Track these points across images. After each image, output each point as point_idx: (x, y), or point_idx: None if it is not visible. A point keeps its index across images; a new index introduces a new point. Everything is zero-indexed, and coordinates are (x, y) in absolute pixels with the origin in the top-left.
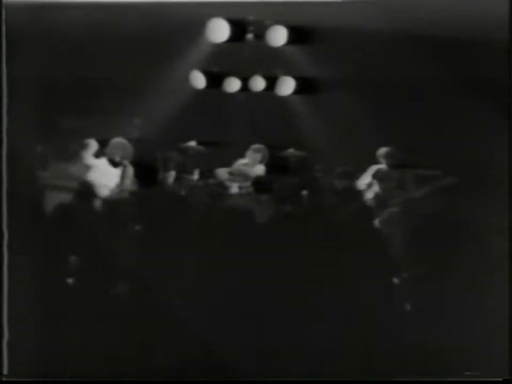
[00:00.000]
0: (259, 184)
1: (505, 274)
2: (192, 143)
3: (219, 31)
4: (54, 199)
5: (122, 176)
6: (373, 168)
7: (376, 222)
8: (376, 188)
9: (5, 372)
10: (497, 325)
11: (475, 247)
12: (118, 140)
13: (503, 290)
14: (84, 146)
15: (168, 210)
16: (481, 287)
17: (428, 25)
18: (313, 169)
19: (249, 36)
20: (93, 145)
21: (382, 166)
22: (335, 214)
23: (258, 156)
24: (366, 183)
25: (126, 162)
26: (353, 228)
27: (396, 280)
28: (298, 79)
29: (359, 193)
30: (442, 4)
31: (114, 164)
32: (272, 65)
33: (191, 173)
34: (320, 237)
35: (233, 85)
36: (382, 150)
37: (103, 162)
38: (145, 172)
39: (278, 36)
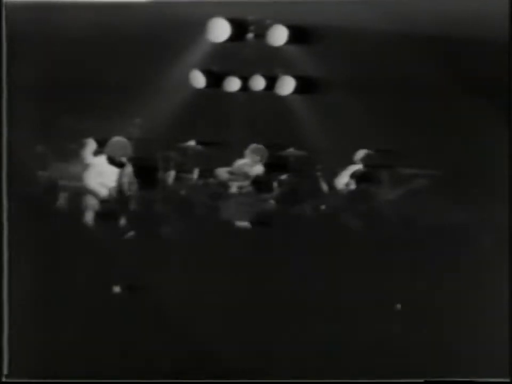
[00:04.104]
0: (259, 183)
1: (505, 274)
2: (192, 143)
3: (219, 30)
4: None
5: (121, 175)
6: (351, 169)
7: (354, 220)
8: (352, 188)
9: (5, 372)
10: (498, 326)
11: (475, 247)
12: (117, 139)
13: (503, 290)
14: (83, 146)
15: (168, 209)
16: (481, 288)
17: (427, 25)
18: (313, 169)
19: (250, 36)
20: (91, 144)
21: (360, 166)
22: (335, 214)
23: (258, 157)
24: (344, 182)
25: (125, 161)
26: (352, 227)
27: (395, 280)
28: (298, 78)
29: (358, 194)
30: (442, 4)
31: (114, 162)
32: (272, 64)
33: (191, 172)
34: (320, 237)
35: (233, 84)
36: (360, 153)
37: (101, 161)
38: (145, 171)
39: (279, 36)
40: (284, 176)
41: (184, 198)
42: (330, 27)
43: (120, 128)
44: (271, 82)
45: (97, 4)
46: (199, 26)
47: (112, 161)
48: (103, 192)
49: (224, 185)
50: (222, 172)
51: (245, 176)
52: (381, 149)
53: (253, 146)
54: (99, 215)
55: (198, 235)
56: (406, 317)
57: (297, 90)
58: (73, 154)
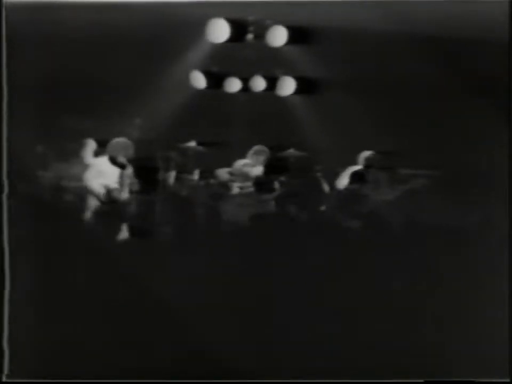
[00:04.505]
0: (260, 184)
1: (505, 274)
2: (192, 144)
3: (219, 31)
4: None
5: (122, 176)
6: (351, 169)
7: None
8: (353, 188)
9: (6, 372)
10: (498, 326)
11: (475, 247)
12: (119, 139)
13: (503, 290)
14: (83, 146)
15: (168, 210)
16: (481, 288)
17: (428, 25)
18: (314, 169)
19: (250, 36)
20: (92, 144)
21: (359, 167)
22: (335, 214)
23: (261, 158)
24: (344, 184)
25: (125, 161)
26: (353, 228)
27: (395, 280)
28: (298, 79)
29: (358, 194)
30: (442, 4)
31: (115, 163)
32: (273, 65)
33: (192, 173)
34: (320, 237)
35: (233, 85)
36: (363, 155)
37: (102, 161)
38: (146, 172)
39: (279, 36)
40: (284, 177)
41: (185, 199)
42: (330, 27)
43: (120, 128)
44: (272, 83)
45: (97, 4)
46: (199, 26)
47: (113, 161)
48: (104, 192)
49: (224, 186)
50: (223, 173)
51: (246, 177)
52: (382, 150)
53: (256, 148)
54: (100, 216)
55: (199, 235)
56: (406, 317)
57: (298, 90)
58: (74, 154)
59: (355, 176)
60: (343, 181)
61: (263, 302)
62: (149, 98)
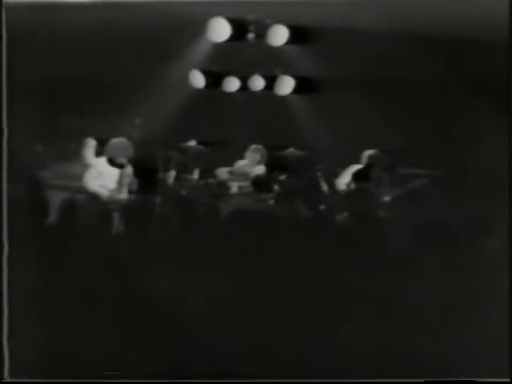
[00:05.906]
0: (259, 183)
1: (505, 274)
2: (192, 143)
3: (219, 30)
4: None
5: (122, 176)
6: (353, 168)
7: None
8: (353, 187)
9: (6, 372)
10: (497, 326)
11: (474, 247)
12: (118, 140)
13: (503, 290)
14: (84, 146)
15: (168, 209)
16: (481, 288)
17: (427, 25)
18: (313, 169)
19: (250, 35)
20: (93, 144)
21: (361, 166)
22: (335, 213)
23: (257, 156)
24: (346, 182)
25: (125, 162)
26: (353, 228)
27: (394, 280)
28: (297, 78)
29: (359, 194)
30: (442, 3)
31: (114, 163)
32: (272, 64)
33: (191, 172)
34: (320, 237)
35: (232, 84)
36: (367, 153)
37: (102, 162)
38: (145, 171)
39: (279, 35)
40: (283, 176)
41: (185, 198)
42: (330, 27)
43: (120, 128)
44: (271, 82)
45: (97, 4)
46: (199, 26)
47: (112, 162)
48: (104, 193)
49: (224, 185)
50: (222, 172)
51: (245, 176)
52: (382, 149)
53: (253, 147)
54: (99, 215)
55: (198, 235)
56: (406, 317)
57: (297, 90)
58: (73, 154)
59: (357, 175)
60: (344, 180)
61: (264, 302)
62: (149, 98)
